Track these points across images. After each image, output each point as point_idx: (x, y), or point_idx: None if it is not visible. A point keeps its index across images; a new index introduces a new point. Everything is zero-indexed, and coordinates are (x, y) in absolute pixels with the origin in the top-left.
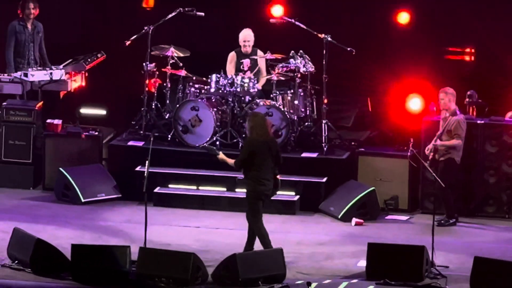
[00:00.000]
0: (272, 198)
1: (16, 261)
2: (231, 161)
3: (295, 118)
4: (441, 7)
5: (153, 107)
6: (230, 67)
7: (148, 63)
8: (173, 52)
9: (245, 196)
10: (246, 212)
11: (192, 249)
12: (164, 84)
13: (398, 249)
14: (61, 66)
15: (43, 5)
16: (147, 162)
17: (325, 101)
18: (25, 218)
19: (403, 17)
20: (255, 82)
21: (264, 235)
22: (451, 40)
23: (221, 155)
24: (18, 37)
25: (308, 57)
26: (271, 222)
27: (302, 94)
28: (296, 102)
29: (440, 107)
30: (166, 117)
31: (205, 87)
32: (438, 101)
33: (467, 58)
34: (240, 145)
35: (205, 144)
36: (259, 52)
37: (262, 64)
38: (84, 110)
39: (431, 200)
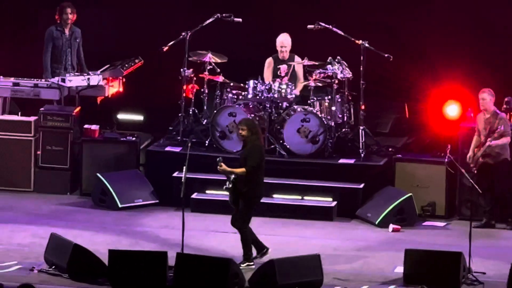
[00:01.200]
0: (309, 204)
1: (53, 267)
2: (238, 170)
3: (332, 124)
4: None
5: (191, 113)
6: (267, 73)
7: (185, 68)
8: (210, 58)
9: (242, 197)
10: (238, 216)
11: (230, 255)
12: (202, 90)
13: (435, 255)
14: (98, 72)
15: (81, 11)
16: (184, 167)
17: (363, 107)
18: (62, 224)
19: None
20: (293, 88)
21: (249, 240)
22: (489, 45)
23: (223, 166)
24: (56, 42)
25: (345, 63)
26: (309, 228)
27: (339, 100)
28: (333, 108)
29: (481, 107)
30: (204, 123)
31: (243, 93)
32: (476, 105)
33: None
34: (278, 151)
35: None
36: (297, 58)
37: (299, 70)
38: (122, 116)
39: (468, 206)
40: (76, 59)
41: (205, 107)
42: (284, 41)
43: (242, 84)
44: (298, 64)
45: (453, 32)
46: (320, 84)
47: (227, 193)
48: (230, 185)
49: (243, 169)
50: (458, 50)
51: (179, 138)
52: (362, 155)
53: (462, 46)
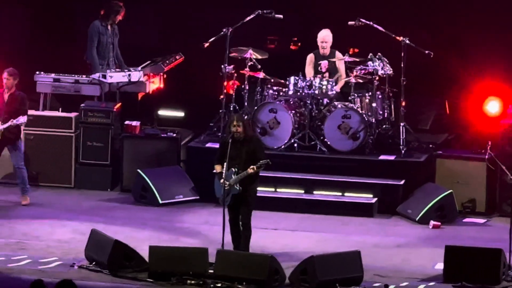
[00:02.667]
0: (350, 200)
1: (94, 263)
2: (251, 170)
3: (373, 121)
4: None
5: (231, 109)
6: (308, 69)
7: (226, 65)
8: (251, 54)
9: (250, 195)
10: (247, 211)
11: (270, 251)
12: (242, 86)
13: (475, 252)
14: (139, 68)
15: (124, 8)
16: (225, 164)
17: (403, 103)
18: (103, 220)
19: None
20: (333, 84)
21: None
22: None
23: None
24: (101, 38)
25: (386, 60)
26: (348, 225)
27: (380, 96)
28: (374, 104)
29: None
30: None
31: (283, 89)
32: None
33: None
34: (318, 147)
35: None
36: (338, 54)
37: (341, 66)
38: (162, 112)
39: (509, 203)
40: (116, 56)
41: (245, 103)
42: (325, 37)
43: (282, 81)
44: (340, 60)
45: (494, 27)
46: (361, 81)
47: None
48: (240, 188)
49: (251, 169)
50: (499, 46)
51: (219, 134)
52: (403, 151)
53: (503, 42)
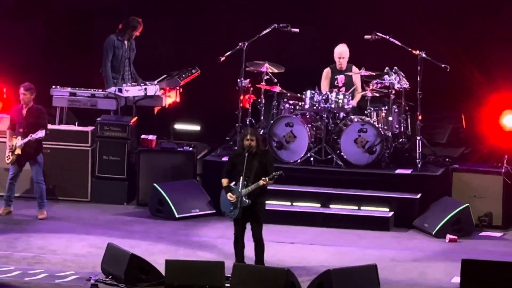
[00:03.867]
0: (366, 214)
1: (110, 276)
2: (262, 181)
3: (389, 135)
4: None
5: (248, 123)
6: (325, 83)
7: (242, 79)
8: (267, 68)
9: (257, 209)
10: (259, 227)
11: (286, 265)
12: (259, 100)
13: (492, 266)
14: (155, 82)
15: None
16: (241, 178)
17: (420, 117)
18: (119, 234)
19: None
20: (350, 98)
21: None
22: None
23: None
24: (116, 52)
25: (402, 74)
26: (365, 238)
27: (396, 110)
28: (390, 118)
29: None
30: (261, 133)
31: (300, 103)
32: None
33: None
34: (335, 161)
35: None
36: (354, 68)
37: (357, 80)
38: (179, 126)
39: None
40: (133, 70)
41: (262, 117)
42: (342, 52)
43: (299, 94)
44: (356, 74)
45: (510, 40)
46: (377, 95)
47: (283, 203)
48: (249, 201)
49: (262, 181)
50: None
51: (236, 148)
52: (419, 165)
53: None
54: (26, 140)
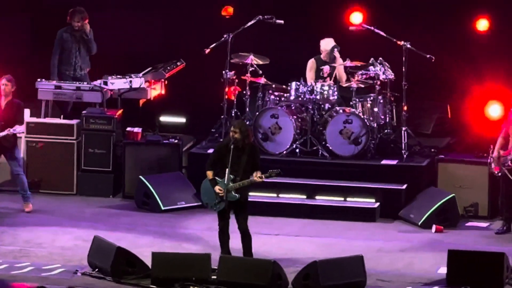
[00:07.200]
0: (352, 205)
1: (97, 269)
2: (259, 179)
3: (375, 126)
4: None
5: (233, 114)
6: (310, 74)
7: (227, 71)
8: (252, 60)
9: (242, 201)
10: (245, 218)
11: (273, 256)
12: (244, 92)
13: (479, 256)
14: (140, 74)
15: (124, 15)
16: (227, 170)
17: (405, 108)
18: (106, 226)
19: (482, 24)
20: (335, 89)
21: None
22: None
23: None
24: (65, 45)
25: (387, 64)
26: (351, 229)
27: (381, 101)
28: (375, 109)
29: None
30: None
31: (285, 95)
32: None
33: None
34: (320, 153)
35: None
36: (339, 59)
37: (341, 70)
38: (164, 118)
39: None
40: (85, 58)
41: (247, 109)
42: (328, 45)
43: (284, 86)
44: (341, 65)
45: (494, 31)
46: (362, 86)
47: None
48: (238, 195)
49: (257, 177)
50: (500, 50)
51: (221, 140)
52: (405, 156)
53: (504, 46)
54: (3, 133)
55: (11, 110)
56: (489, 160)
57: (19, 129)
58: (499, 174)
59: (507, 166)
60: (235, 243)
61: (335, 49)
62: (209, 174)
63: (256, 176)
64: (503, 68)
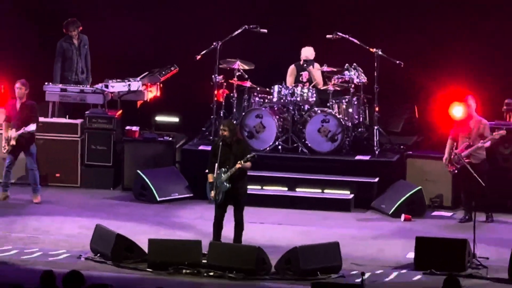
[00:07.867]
0: (329, 197)
1: (98, 254)
2: (238, 165)
3: (350, 125)
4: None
5: (222, 115)
6: (290, 80)
7: (216, 75)
8: (239, 65)
9: (240, 194)
10: (240, 210)
11: (257, 243)
12: (231, 94)
13: (443, 242)
14: (138, 78)
15: (121, 23)
16: (216, 164)
17: (377, 109)
18: (106, 216)
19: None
20: (313, 92)
21: None
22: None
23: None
24: (66, 54)
25: (361, 69)
26: (328, 219)
27: (355, 102)
28: (350, 110)
29: (467, 113)
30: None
31: (268, 97)
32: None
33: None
34: (300, 149)
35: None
36: (316, 65)
37: (317, 75)
38: (159, 118)
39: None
40: (84, 64)
41: (234, 110)
42: (308, 54)
43: (268, 89)
44: (318, 70)
45: (457, 41)
46: (338, 88)
47: (254, 186)
48: (229, 185)
49: (247, 158)
50: (462, 57)
51: (211, 137)
52: (377, 152)
53: (467, 54)
54: (19, 132)
55: (25, 110)
56: (444, 162)
57: (33, 127)
58: (455, 171)
59: (461, 163)
60: (226, 231)
61: (310, 66)
62: (210, 177)
63: (237, 163)
64: (465, 73)
